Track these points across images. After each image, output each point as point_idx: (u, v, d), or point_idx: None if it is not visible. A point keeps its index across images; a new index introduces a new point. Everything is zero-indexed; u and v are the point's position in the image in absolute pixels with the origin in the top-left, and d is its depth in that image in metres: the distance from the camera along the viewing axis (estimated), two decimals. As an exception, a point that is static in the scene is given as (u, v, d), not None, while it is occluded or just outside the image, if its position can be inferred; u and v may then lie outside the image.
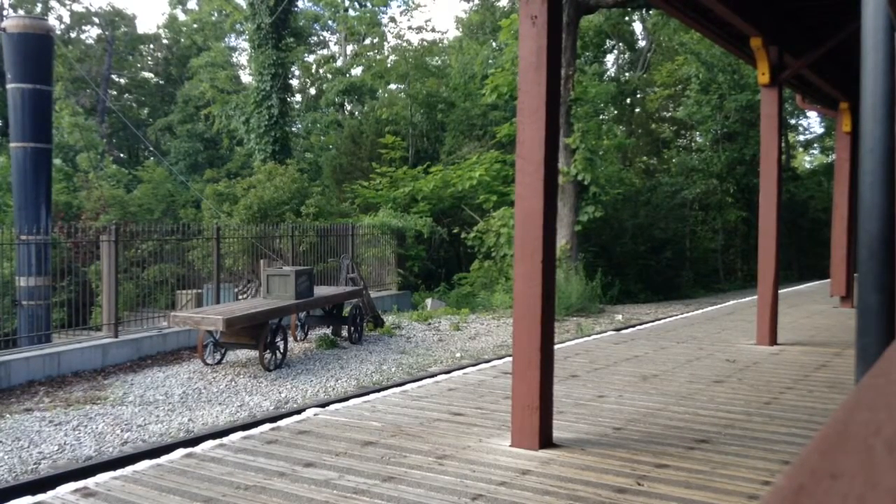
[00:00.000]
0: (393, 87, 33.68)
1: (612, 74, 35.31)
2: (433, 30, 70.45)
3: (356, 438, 4.93)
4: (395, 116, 28.89)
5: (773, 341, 8.67)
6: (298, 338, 13.15)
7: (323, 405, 6.33)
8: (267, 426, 5.37)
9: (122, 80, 41.43)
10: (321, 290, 13.03)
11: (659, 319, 13.37)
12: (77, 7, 41.04)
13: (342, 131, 31.21)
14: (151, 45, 42.83)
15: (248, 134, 27.94)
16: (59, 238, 15.63)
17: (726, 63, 27.52)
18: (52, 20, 36.74)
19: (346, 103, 37.37)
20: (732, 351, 8.39)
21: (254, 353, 11.22)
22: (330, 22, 39.72)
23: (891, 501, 0.46)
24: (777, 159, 8.62)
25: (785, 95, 14.04)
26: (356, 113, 35.95)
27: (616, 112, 33.90)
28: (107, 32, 39.59)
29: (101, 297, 12.96)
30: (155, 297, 15.17)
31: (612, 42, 34.48)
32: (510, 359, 5.42)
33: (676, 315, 14.02)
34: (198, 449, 4.78)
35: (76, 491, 4.04)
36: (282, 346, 11.19)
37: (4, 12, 32.77)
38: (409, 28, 69.76)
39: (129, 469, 4.39)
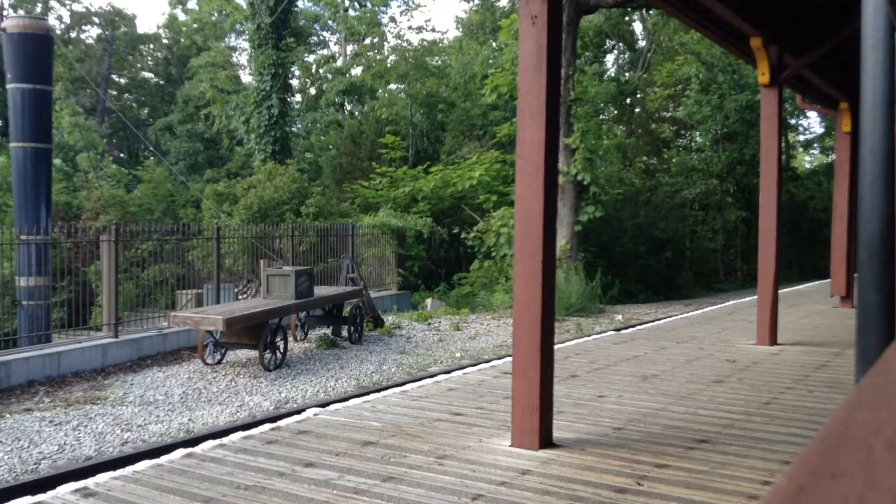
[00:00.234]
0: (393, 87, 33.68)
1: (612, 74, 35.30)
2: (433, 30, 70.54)
3: (356, 438, 4.93)
4: (395, 116, 28.89)
5: (773, 341, 8.67)
6: (298, 338, 13.15)
7: (323, 405, 6.33)
8: (267, 426, 5.37)
9: (122, 80, 41.43)
10: (321, 290, 13.03)
11: (659, 319, 13.37)
12: (77, 7, 41.07)
13: (342, 131, 31.21)
14: (151, 45, 42.83)
15: (248, 134, 27.93)
16: (59, 238, 15.63)
17: (726, 63, 27.53)
18: (52, 20, 36.75)
19: (346, 103, 37.37)
20: (732, 351, 8.39)
21: (254, 353, 11.22)
22: (330, 22, 39.72)
23: (891, 501, 0.46)
24: (777, 159, 8.62)
25: (785, 95, 14.05)
26: (356, 113, 35.96)
27: (616, 112, 33.91)
28: (107, 32, 39.59)
29: (101, 297, 12.96)
30: (155, 297, 15.16)
31: (612, 42, 34.48)
32: (510, 359, 5.42)
33: (676, 315, 14.02)
34: (198, 449, 4.78)
35: (76, 491, 4.04)
36: (282, 346, 11.19)
37: (4, 12, 32.78)
38: (409, 28, 69.87)
39: (129, 469, 4.39)
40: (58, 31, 35.88)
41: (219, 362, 11.21)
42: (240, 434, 5.14)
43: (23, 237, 13.42)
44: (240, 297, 15.37)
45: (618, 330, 11.91)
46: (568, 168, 19.70)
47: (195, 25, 41.37)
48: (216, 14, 39.03)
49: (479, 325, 15.71)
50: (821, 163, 39.53)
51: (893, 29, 3.08)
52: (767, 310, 8.64)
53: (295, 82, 34.58)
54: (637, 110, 36.21)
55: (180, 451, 4.73)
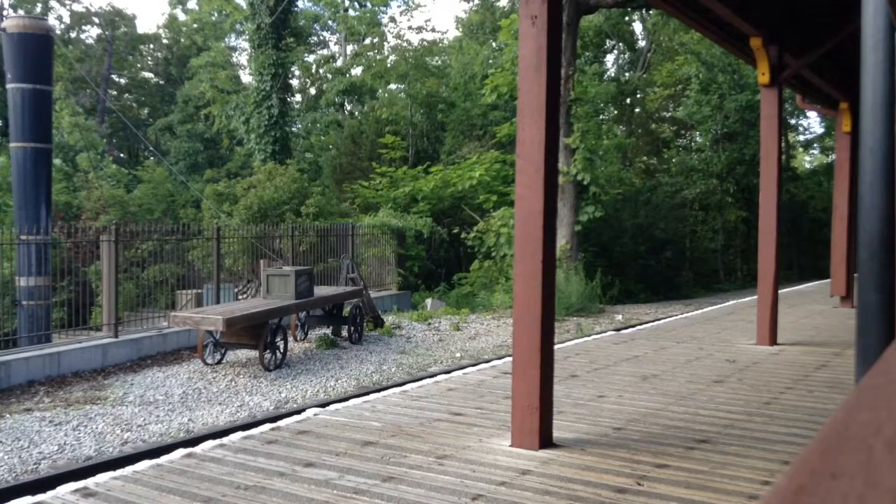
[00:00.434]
0: (393, 87, 33.68)
1: (612, 74, 35.31)
2: (433, 30, 70.55)
3: (356, 438, 4.93)
4: (395, 116, 28.89)
5: (773, 341, 8.67)
6: (298, 338, 13.15)
7: (323, 405, 6.33)
8: (267, 426, 5.37)
9: (122, 80, 41.43)
10: (321, 290, 13.03)
11: (659, 319, 13.37)
12: (77, 7, 41.07)
13: (342, 131, 31.21)
14: (151, 45, 42.83)
15: (248, 134, 27.93)
16: (59, 238, 15.63)
17: (726, 63, 27.53)
18: (52, 20, 36.75)
19: (346, 103, 37.37)
20: (732, 351, 8.39)
21: (254, 353, 11.22)
22: (330, 22, 39.72)
23: (891, 501, 0.46)
24: (777, 159, 8.63)
25: (785, 95, 14.05)
26: (356, 113, 35.96)
27: (616, 112, 33.91)
28: (107, 32, 39.59)
29: (101, 297, 12.95)
30: (155, 297, 15.16)
31: (612, 42, 34.48)
32: (510, 359, 5.42)
33: (676, 315, 14.02)
34: (198, 449, 4.78)
35: (76, 491, 4.04)
36: (282, 346, 11.19)
37: (4, 12, 32.77)
38: (409, 28, 69.83)
39: (129, 469, 4.39)
40: (58, 31, 35.88)
41: (219, 362, 11.21)
42: (240, 434, 5.14)
43: (23, 237, 13.42)
44: (240, 297, 15.37)
45: (618, 330, 11.92)
46: (568, 168, 19.70)
47: (195, 25, 41.37)
48: (216, 14, 39.03)
49: (479, 325, 15.71)
50: (821, 163, 39.53)
51: (893, 29, 3.08)
52: (767, 310, 8.64)
53: (295, 82, 34.60)
54: (637, 110, 36.21)
55: (180, 451, 4.73)
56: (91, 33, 41.34)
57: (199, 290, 14.89)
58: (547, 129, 4.62)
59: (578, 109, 20.19)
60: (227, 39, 40.25)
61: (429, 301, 19.09)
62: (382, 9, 39.43)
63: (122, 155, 36.19)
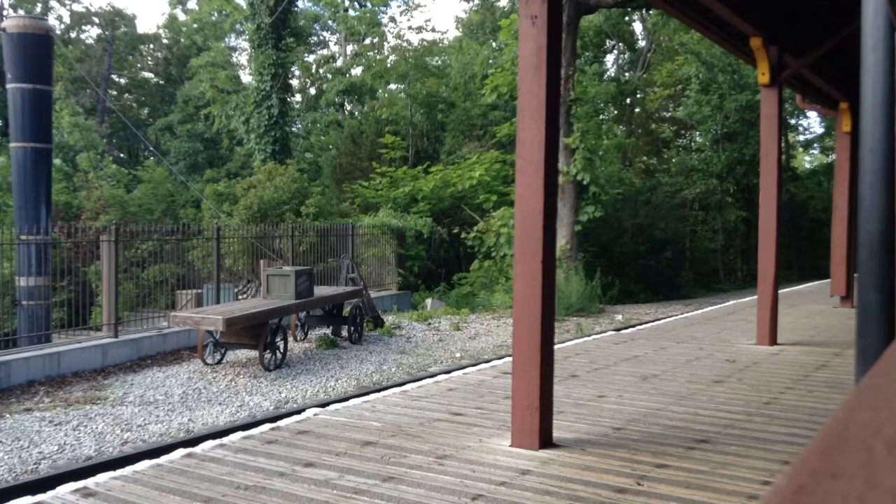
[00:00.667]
0: (393, 87, 33.68)
1: (612, 74, 35.31)
2: (433, 30, 70.57)
3: (356, 438, 4.93)
4: (395, 116, 28.89)
5: (773, 341, 8.67)
6: (298, 338, 13.15)
7: (323, 405, 6.33)
8: (267, 426, 5.37)
9: (122, 80, 41.43)
10: (321, 290, 13.03)
11: (659, 319, 13.37)
12: (77, 7, 41.07)
13: (342, 131, 31.21)
14: (151, 45, 42.83)
15: (248, 134, 27.94)
16: (59, 238, 15.62)
17: (726, 63, 27.52)
18: (52, 20, 36.75)
19: (346, 103, 37.36)
20: (732, 351, 8.39)
21: (254, 353, 11.22)
22: (330, 22, 39.71)
23: (891, 501, 0.46)
24: (777, 159, 8.62)
25: (785, 95, 14.04)
26: (356, 113, 35.96)
27: (616, 112, 33.91)
28: (107, 32, 39.59)
29: (101, 297, 12.95)
30: (155, 297, 15.16)
31: (612, 42, 34.47)
32: (510, 359, 5.42)
33: (676, 315, 14.02)
34: (198, 449, 4.78)
35: (76, 491, 4.04)
36: (282, 346, 11.19)
37: (4, 12, 32.77)
38: (409, 28, 69.81)
39: (129, 469, 4.39)
40: (58, 31, 35.88)
41: (219, 362, 11.21)
42: (240, 434, 5.14)
43: (23, 237, 13.42)
44: (240, 297, 15.37)
45: (618, 330, 11.91)
46: (568, 168, 19.70)
47: (195, 25, 41.37)
48: (216, 14, 39.04)
49: (479, 325, 15.71)
50: (821, 163, 39.52)
51: (893, 29, 3.08)
52: (767, 310, 8.64)
53: (295, 82, 34.60)
54: (637, 110, 36.21)
55: (180, 451, 4.73)
56: (91, 33, 41.39)
57: (199, 290, 14.89)
58: (547, 129, 4.62)
59: (578, 109, 20.19)
60: (227, 39, 40.27)
61: (429, 301, 19.09)
62: (382, 9, 39.44)
63: (122, 155, 36.20)
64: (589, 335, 11.57)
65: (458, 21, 41.41)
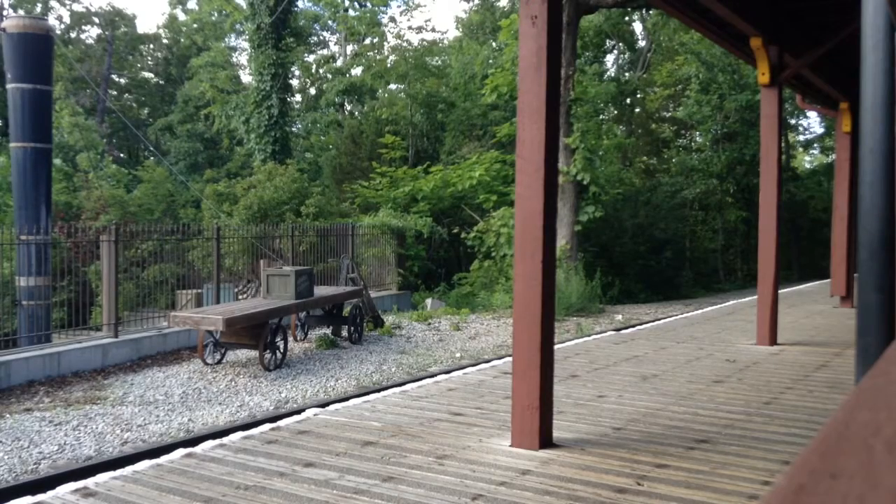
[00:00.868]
0: (393, 87, 33.69)
1: (612, 74, 35.30)
2: (433, 30, 70.59)
3: (356, 438, 4.93)
4: (395, 116, 28.90)
5: (773, 341, 8.67)
6: (298, 338, 13.15)
7: (323, 405, 6.33)
8: (267, 426, 5.37)
9: (122, 80, 41.43)
10: (321, 290, 13.03)
11: (659, 319, 13.37)
12: (77, 7, 41.07)
13: (342, 131, 31.21)
14: (151, 45, 42.83)
15: (248, 134, 27.94)
16: (59, 238, 15.62)
17: (726, 63, 27.53)
18: (52, 20, 36.75)
19: (346, 103, 37.37)
20: (732, 351, 8.39)
21: (254, 353, 11.22)
22: (330, 22, 39.71)
23: (891, 501, 0.46)
24: (777, 159, 8.62)
25: (785, 95, 14.05)
26: (356, 113, 35.96)
27: (616, 112, 33.91)
28: (107, 32, 39.58)
29: (101, 297, 12.95)
30: (155, 297, 15.16)
31: (612, 42, 34.47)
32: (510, 359, 5.42)
33: (676, 315, 14.02)
34: (198, 449, 4.78)
35: (76, 491, 4.04)
36: (282, 346, 11.19)
37: (4, 12, 32.77)
38: (409, 28, 69.82)
39: (129, 469, 4.39)
40: (58, 31, 35.87)
41: (219, 362, 11.21)
42: (240, 434, 5.14)
43: (23, 237, 13.42)
44: (240, 297, 15.37)
45: (618, 330, 11.91)
46: (568, 168, 19.71)
47: (195, 25, 41.38)
48: (216, 14, 39.05)
49: (479, 325, 15.71)
50: (821, 163, 39.51)
51: (893, 29, 3.08)
52: (767, 310, 8.64)
53: (295, 82, 34.61)
54: (637, 110, 36.22)
55: (180, 451, 4.73)
56: (91, 33, 41.39)
57: (199, 290, 14.89)
58: (547, 129, 4.62)
59: (578, 109, 20.19)
60: (227, 39, 40.26)
61: (429, 301, 19.09)
62: (382, 9, 39.43)
63: (122, 155, 36.19)
64: (589, 335, 11.57)
65: (458, 21, 41.44)
